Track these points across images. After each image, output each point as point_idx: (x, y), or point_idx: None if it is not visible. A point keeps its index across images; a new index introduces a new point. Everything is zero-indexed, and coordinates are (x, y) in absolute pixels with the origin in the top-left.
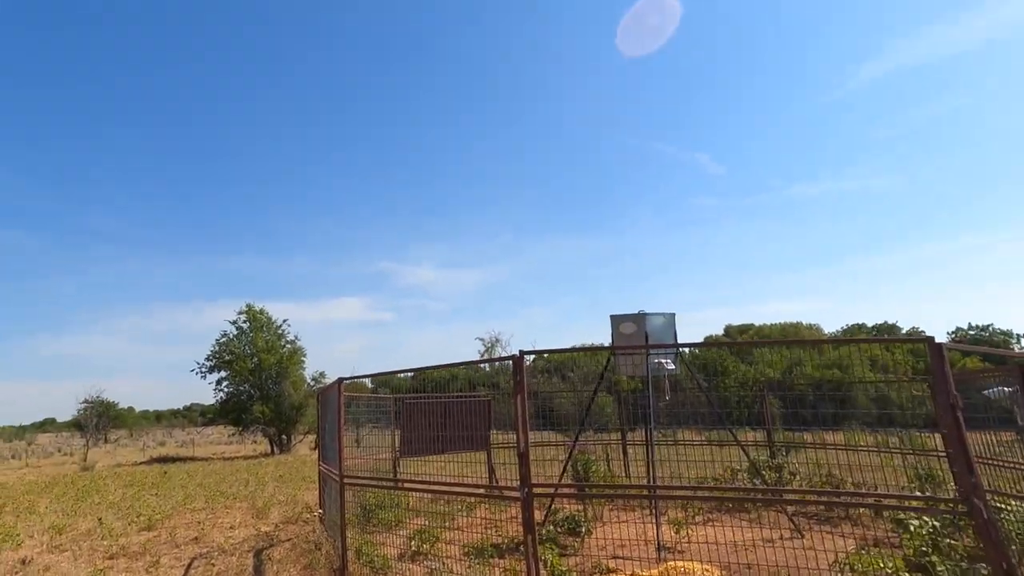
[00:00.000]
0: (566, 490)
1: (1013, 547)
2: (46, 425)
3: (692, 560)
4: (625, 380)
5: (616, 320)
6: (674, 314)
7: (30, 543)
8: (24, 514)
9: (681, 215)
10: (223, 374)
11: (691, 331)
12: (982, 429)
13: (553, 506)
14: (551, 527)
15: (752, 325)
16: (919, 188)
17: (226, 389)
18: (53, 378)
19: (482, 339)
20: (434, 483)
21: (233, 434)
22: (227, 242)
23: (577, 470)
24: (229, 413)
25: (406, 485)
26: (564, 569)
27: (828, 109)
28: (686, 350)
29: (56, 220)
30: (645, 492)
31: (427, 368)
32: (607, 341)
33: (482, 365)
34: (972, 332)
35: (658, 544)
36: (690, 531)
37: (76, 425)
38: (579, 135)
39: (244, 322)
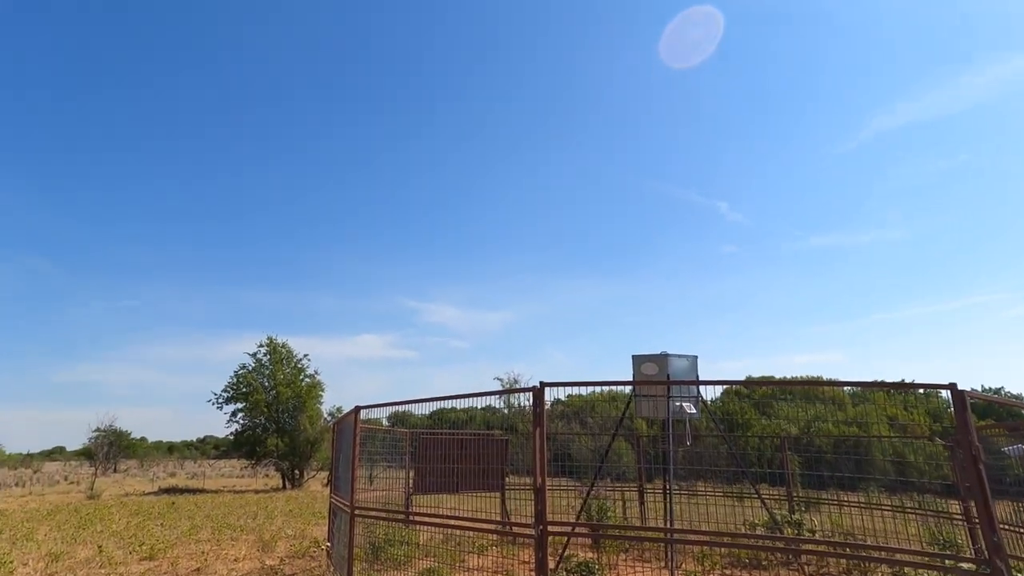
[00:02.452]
0: (581, 531)
1: None
2: (54, 454)
3: None
4: (644, 426)
5: (638, 360)
6: (696, 357)
7: (23, 571)
8: (21, 541)
9: (703, 263)
10: (239, 406)
11: (714, 385)
12: (1002, 497)
13: (566, 553)
14: (564, 573)
15: (773, 377)
16: (929, 241)
17: (241, 421)
18: (66, 406)
19: (500, 379)
20: (446, 517)
21: (246, 467)
22: (248, 274)
23: (592, 515)
24: (243, 445)
25: (417, 518)
26: None
27: (839, 160)
28: (708, 398)
29: (76, 248)
30: (661, 536)
31: (446, 397)
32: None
33: (501, 408)
34: (985, 392)
35: None
36: None
37: (86, 454)
38: (602, 178)
39: (264, 355)
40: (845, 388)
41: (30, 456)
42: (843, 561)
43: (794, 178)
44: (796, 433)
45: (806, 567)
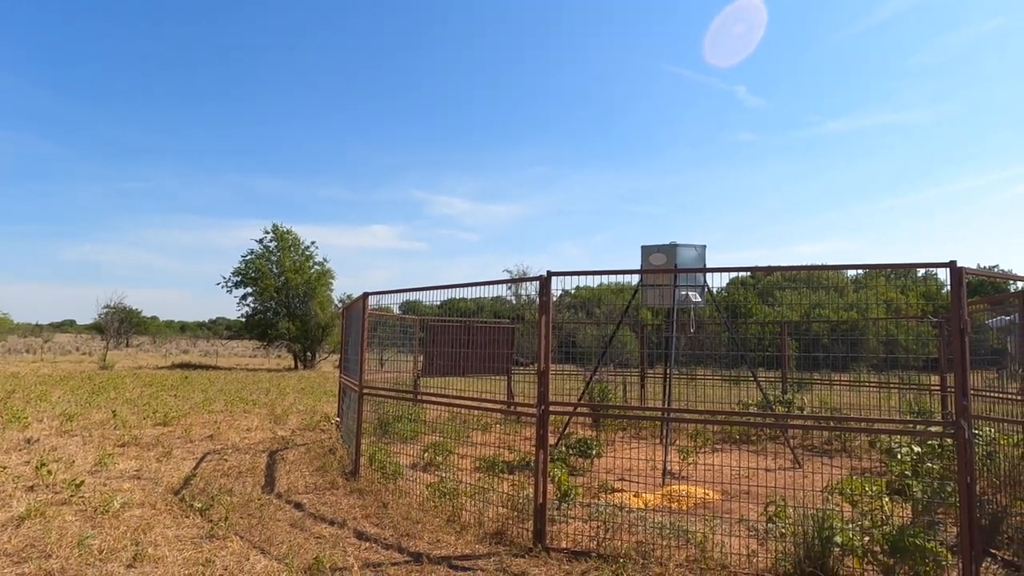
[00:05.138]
0: (582, 411)
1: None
2: (64, 326)
3: (694, 484)
4: (650, 316)
5: (646, 251)
6: (705, 246)
7: (38, 426)
8: (35, 401)
9: (718, 150)
10: (249, 290)
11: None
12: (978, 367)
13: (567, 431)
14: (563, 448)
15: (778, 265)
16: (953, 120)
17: (251, 305)
18: (73, 283)
19: (509, 271)
20: (452, 397)
21: (258, 348)
22: (256, 162)
23: (593, 397)
24: (254, 328)
25: (424, 398)
26: (571, 486)
27: (859, 39)
28: (714, 286)
29: (87, 130)
30: (658, 415)
31: (455, 286)
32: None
33: (509, 298)
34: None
35: (664, 469)
36: (696, 459)
37: (97, 328)
38: (617, 64)
39: (271, 241)
40: (848, 272)
41: (39, 326)
42: (826, 433)
43: (813, 59)
44: (796, 320)
45: (791, 440)
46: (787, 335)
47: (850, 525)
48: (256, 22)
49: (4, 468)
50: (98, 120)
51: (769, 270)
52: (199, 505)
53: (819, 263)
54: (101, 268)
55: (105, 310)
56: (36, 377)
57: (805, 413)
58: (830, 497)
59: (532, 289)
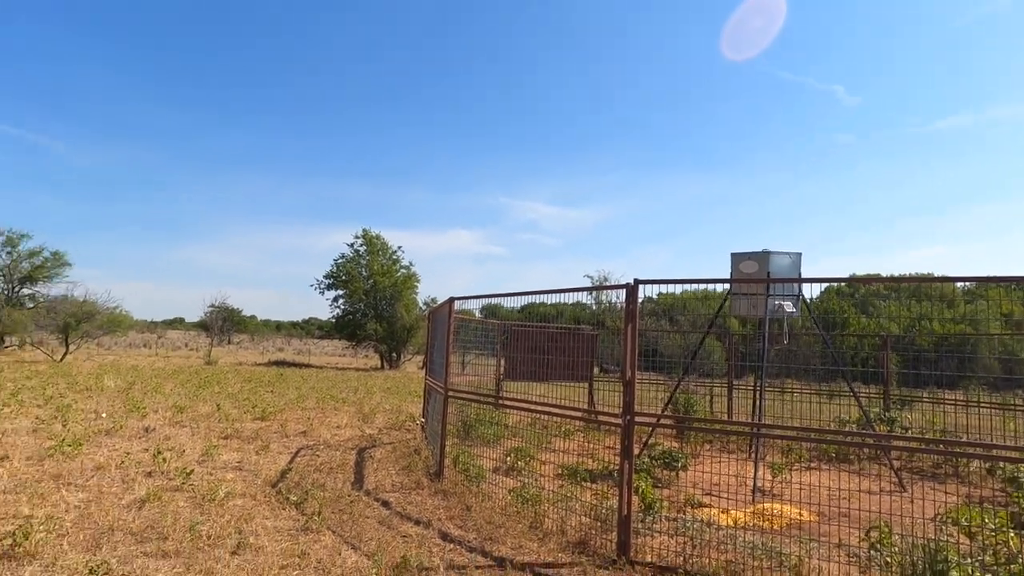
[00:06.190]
0: (666, 421)
1: None
2: (175, 323)
3: (786, 503)
4: (737, 324)
5: (737, 258)
6: (800, 254)
7: (154, 416)
8: (151, 393)
9: (811, 152)
10: (340, 292)
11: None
12: None
13: (651, 441)
14: (647, 459)
15: (878, 275)
16: None
17: (342, 306)
18: (180, 283)
19: (590, 276)
20: (534, 403)
21: (347, 347)
22: (346, 168)
23: (678, 408)
24: (344, 328)
25: (506, 403)
26: (656, 499)
27: (969, 30)
28: (809, 295)
29: (189, 141)
30: (747, 430)
31: (540, 292)
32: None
33: (590, 304)
34: None
35: (754, 486)
36: (788, 476)
37: (202, 326)
38: (700, 64)
39: (360, 245)
40: (958, 284)
41: (154, 323)
42: (934, 457)
43: (918, 54)
44: (899, 333)
45: (895, 462)
46: (889, 349)
47: (968, 560)
48: (343, 35)
49: (128, 455)
50: (203, 132)
51: (873, 280)
52: (294, 498)
53: (923, 271)
54: (204, 269)
55: (210, 309)
56: (151, 371)
57: (910, 433)
58: (943, 527)
59: (614, 295)
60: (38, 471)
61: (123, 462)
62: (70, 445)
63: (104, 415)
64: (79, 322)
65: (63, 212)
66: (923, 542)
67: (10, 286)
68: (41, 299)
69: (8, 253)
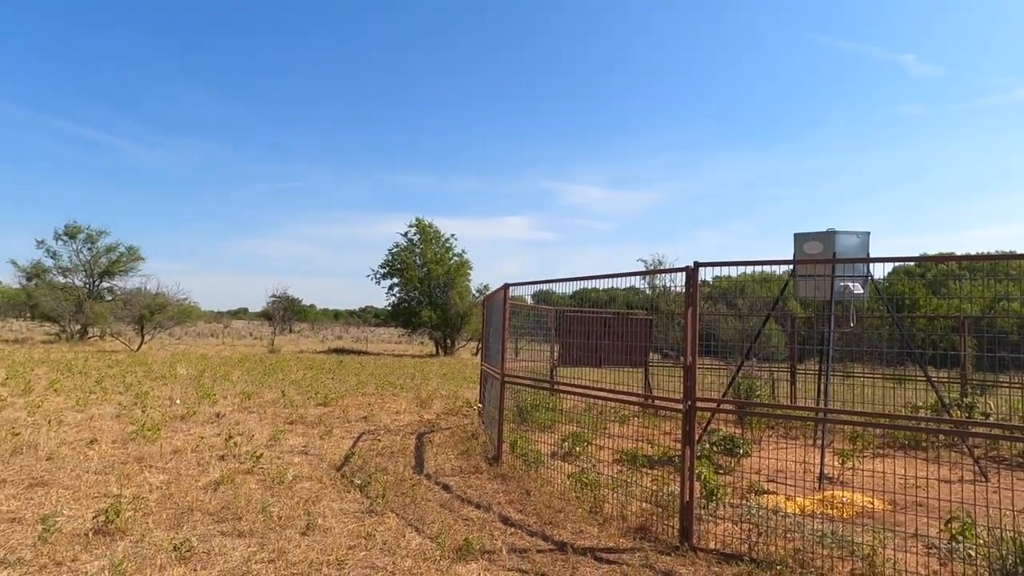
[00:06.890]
0: (727, 407)
1: None
2: (239, 313)
3: (855, 491)
4: (799, 308)
5: (800, 238)
6: (868, 233)
7: (223, 402)
8: (220, 380)
9: (878, 126)
10: (395, 281)
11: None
12: None
13: (711, 427)
14: (708, 445)
15: (952, 253)
16: None
17: (397, 295)
18: (244, 274)
19: (644, 260)
20: (590, 388)
21: (403, 335)
22: (400, 158)
23: (739, 393)
24: (399, 316)
25: (561, 388)
26: (718, 485)
27: None
28: (879, 276)
29: (255, 135)
30: (812, 415)
31: (594, 277)
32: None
33: (644, 289)
34: None
35: (820, 472)
36: (856, 463)
37: (265, 315)
38: (759, 37)
39: (414, 234)
40: None
41: (220, 313)
42: (1019, 445)
43: (1002, 15)
44: (975, 313)
45: (974, 450)
46: (966, 332)
47: None
48: (396, 25)
49: (202, 439)
50: (265, 125)
51: (946, 259)
52: (358, 482)
53: (1000, 250)
54: (266, 260)
55: (272, 299)
56: (219, 359)
57: (992, 420)
58: None
59: (669, 280)
60: (123, 453)
61: (198, 446)
62: (150, 430)
63: (178, 401)
64: (152, 313)
65: (136, 208)
66: (1011, 534)
67: (91, 280)
68: (118, 292)
69: (88, 249)
